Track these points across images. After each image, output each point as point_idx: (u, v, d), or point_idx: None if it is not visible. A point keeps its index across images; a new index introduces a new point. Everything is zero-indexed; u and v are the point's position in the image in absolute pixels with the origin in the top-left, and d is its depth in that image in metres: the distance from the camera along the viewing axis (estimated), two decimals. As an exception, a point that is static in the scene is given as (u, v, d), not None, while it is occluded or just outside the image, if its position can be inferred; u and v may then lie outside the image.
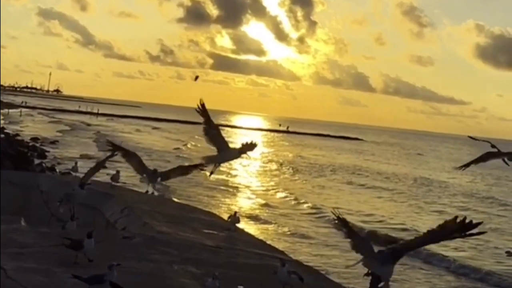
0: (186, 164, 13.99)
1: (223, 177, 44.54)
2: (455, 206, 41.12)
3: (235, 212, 14.83)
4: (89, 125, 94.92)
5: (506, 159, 10.07)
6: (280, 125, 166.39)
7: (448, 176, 66.46)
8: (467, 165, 10.09)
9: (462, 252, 25.21)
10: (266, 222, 26.99)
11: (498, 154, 9.85)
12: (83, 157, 45.62)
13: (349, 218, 28.07)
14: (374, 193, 44.52)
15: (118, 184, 19.39)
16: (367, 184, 49.95)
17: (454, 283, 20.36)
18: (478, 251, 26.04)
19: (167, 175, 13.93)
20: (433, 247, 25.37)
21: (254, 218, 27.69)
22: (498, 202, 45.67)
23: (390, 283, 10.61)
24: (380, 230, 28.05)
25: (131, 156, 13.70)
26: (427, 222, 32.35)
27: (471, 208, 40.96)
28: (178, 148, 68.90)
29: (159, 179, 14.24)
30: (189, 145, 75.66)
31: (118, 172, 19.95)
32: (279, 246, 18.62)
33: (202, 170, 13.85)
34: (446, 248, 25.11)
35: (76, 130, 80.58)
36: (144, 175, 14.14)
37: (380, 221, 31.14)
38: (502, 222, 35.75)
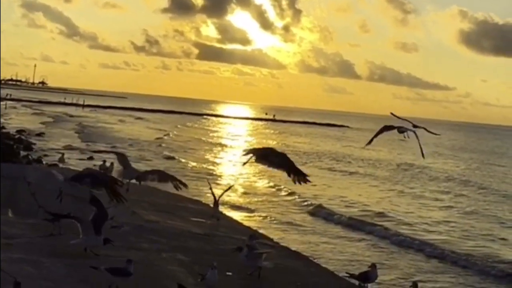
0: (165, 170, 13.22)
1: (208, 166, 44.47)
2: (436, 190, 41.33)
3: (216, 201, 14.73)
4: (72, 116, 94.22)
5: (406, 134, 10.03)
6: (266, 113, 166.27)
7: (430, 161, 67.00)
8: (370, 141, 9.99)
9: (443, 236, 25.41)
10: (250, 210, 27.09)
11: (393, 127, 9.79)
12: (66, 148, 45.39)
13: (329, 204, 27.94)
14: (357, 179, 44.65)
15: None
16: (349, 170, 49.99)
17: (443, 267, 20.61)
18: (463, 235, 26.33)
19: (144, 176, 13.03)
20: (418, 232, 25.61)
21: (238, 206, 27.71)
22: (479, 186, 45.99)
23: (378, 269, 10.82)
24: (361, 215, 28.25)
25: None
26: (408, 207, 32.65)
27: (451, 192, 41.06)
28: (160, 138, 68.49)
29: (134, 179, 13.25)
30: (171, 135, 75.45)
31: (111, 164, 19.95)
32: (266, 233, 18.75)
33: (177, 188, 12.74)
34: (429, 233, 25.34)
35: (59, 121, 79.97)
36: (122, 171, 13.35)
37: (361, 206, 31.08)
38: (483, 205, 36.03)
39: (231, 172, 43.19)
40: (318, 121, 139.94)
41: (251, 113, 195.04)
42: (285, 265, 12.01)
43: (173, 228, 13.00)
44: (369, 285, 11.00)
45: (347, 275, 11.13)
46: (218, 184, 35.96)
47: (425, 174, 51.83)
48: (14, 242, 11.06)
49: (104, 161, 24.35)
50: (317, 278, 11.46)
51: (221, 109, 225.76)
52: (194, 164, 44.78)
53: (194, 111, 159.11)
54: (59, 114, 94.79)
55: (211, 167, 44.74)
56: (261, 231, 18.54)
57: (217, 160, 50.99)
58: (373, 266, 10.72)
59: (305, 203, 30.03)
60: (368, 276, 10.62)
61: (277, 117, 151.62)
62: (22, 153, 33.09)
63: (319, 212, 28.15)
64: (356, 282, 10.93)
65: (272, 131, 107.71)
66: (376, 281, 11.54)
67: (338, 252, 20.88)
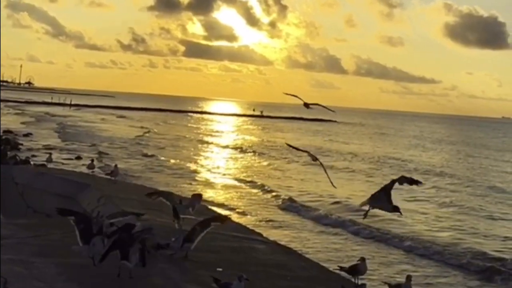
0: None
1: (187, 164, 44.14)
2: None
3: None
4: (54, 115, 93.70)
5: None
6: (253, 109, 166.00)
7: (413, 153, 67.47)
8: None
9: (422, 228, 25.47)
10: (234, 207, 27.16)
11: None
12: (46, 147, 45.20)
13: (303, 199, 27.76)
14: (335, 173, 44.58)
15: (115, 178, 19.32)
16: (329, 164, 50.06)
17: (423, 260, 20.70)
18: (441, 227, 26.42)
19: None
20: (397, 225, 25.53)
21: (218, 204, 27.64)
22: (458, 177, 46.27)
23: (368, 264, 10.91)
24: (336, 208, 28.20)
25: None
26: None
27: (431, 184, 41.17)
28: (141, 136, 68.29)
29: None
30: (151, 132, 75.37)
31: (116, 166, 19.94)
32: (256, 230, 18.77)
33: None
34: (408, 226, 25.27)
35: (41, 121, 79.52)
36: None
37: (337, 199, 30.81)
38: (463, 197, 36.17)
39: (210, 169, 43.14)
40: (305, 116, 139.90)
41: (239, 110, 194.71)
42: (275, 259, 12.09)
43: (162, 225, 13.01)
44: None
45: (338, 268, 11.23)
46: (196, 180, 35.93)
47: (406, 166, 52.10)
48: (4, 243, 11.03)
49: (92, 160, 24.31)
50: (307, 272, 11.53)
51: (209, 107, 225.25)
52: (173, 161, 44.57)
53: (180, 109, 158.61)
54: (41, 114, 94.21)
55: (190, 164, 44.48)
56: (252, 228, 18.55)
57: (197, 157, 50.79)
58: (363, 259, 10.83)
59: (281, 198, 30.19)
60: (358, 269, 10.73)
61: (265, 113, 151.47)
62: (9, 153, 32.90)
63: (293, 206, 28.18)
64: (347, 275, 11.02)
65: (257, 127, 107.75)
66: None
67: (320, 245, 21.03)
